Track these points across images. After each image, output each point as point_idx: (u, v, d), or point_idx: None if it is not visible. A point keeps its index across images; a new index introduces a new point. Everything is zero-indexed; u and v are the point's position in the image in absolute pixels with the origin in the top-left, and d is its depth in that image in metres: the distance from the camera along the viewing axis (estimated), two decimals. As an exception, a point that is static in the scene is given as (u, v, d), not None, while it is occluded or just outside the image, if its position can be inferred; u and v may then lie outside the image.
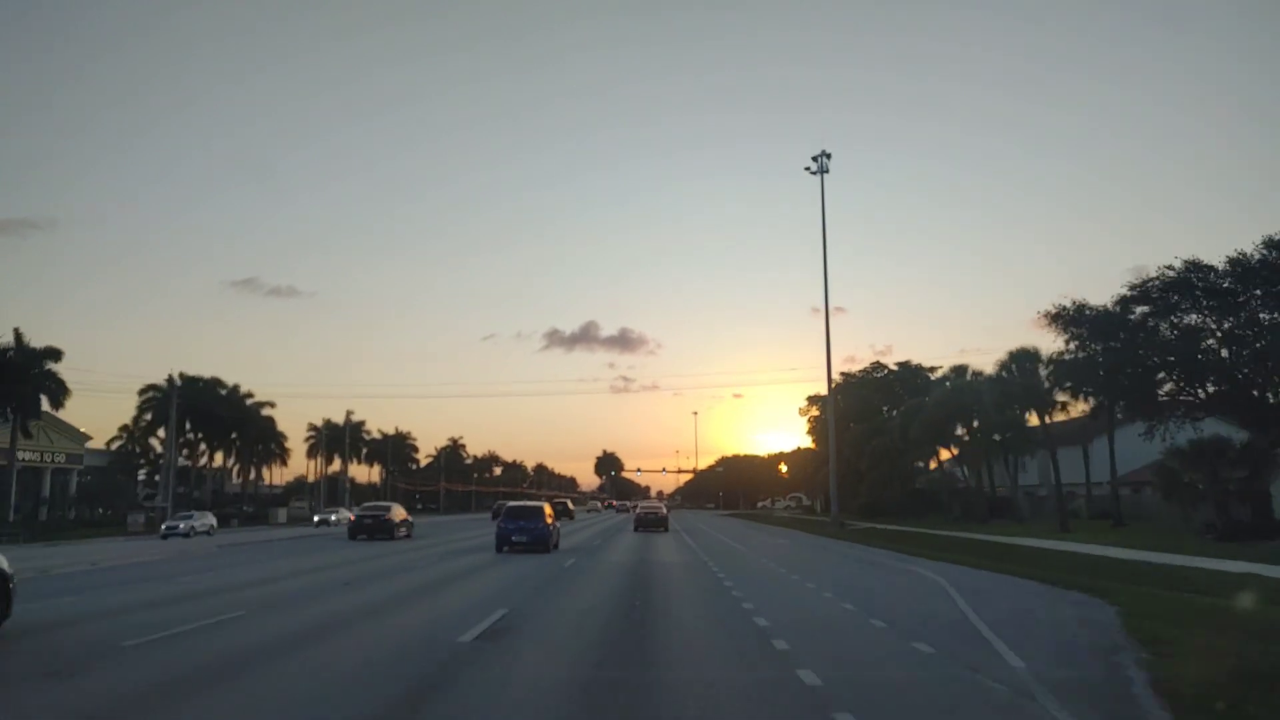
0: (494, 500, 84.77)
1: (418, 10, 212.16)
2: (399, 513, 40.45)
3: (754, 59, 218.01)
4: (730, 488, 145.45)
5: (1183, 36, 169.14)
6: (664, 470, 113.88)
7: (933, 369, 75.92)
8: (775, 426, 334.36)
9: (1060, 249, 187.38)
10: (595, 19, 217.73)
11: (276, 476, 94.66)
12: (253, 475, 78.34)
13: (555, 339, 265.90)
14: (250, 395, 72.44)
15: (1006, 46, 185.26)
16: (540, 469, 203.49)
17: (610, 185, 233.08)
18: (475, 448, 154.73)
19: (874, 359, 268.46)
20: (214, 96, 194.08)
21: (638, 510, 50.33)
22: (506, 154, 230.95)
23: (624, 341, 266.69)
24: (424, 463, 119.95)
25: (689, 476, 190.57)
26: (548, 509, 29.71)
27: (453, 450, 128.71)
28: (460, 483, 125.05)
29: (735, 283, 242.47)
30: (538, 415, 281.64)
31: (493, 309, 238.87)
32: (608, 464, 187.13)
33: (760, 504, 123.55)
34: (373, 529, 38.40)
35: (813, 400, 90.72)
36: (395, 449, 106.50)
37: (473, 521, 69.12)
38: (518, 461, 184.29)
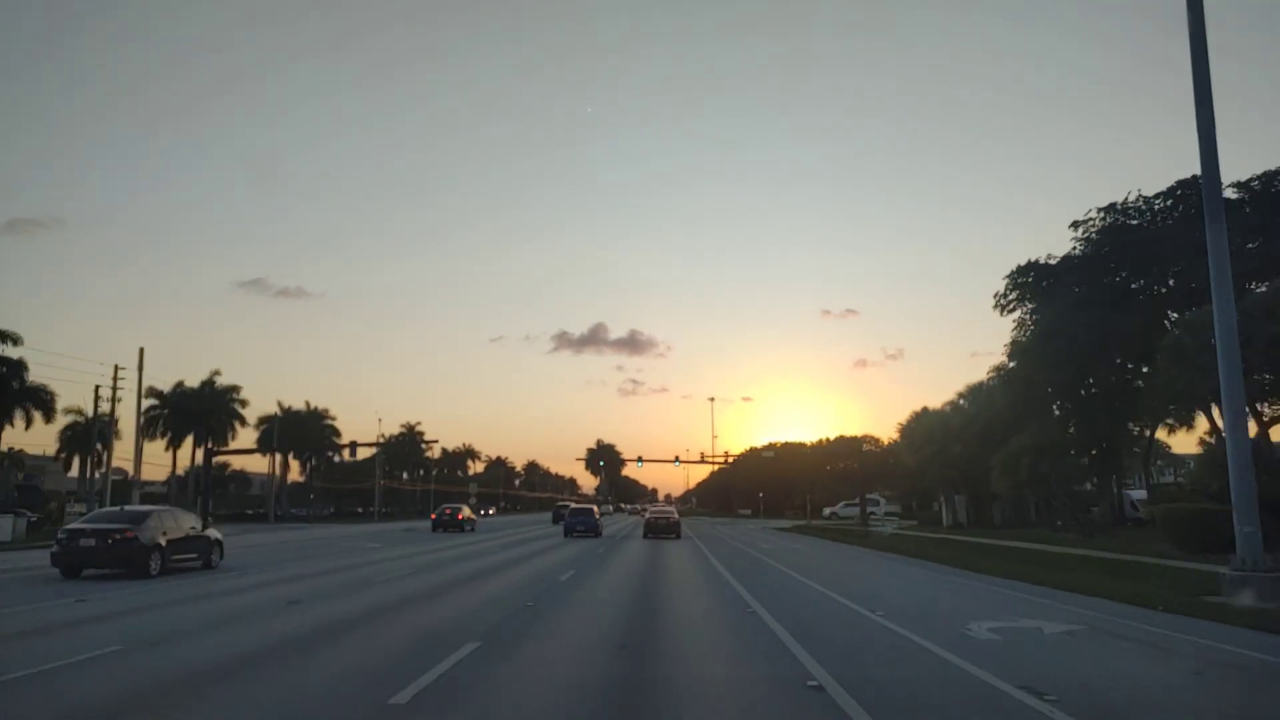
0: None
1: (426, 12, 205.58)
2: (167, 527, 20.87)
3: (756, 61, 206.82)
4: (769, 487, 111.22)
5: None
6: (676, 461, 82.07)
7: None
8: (786, 432, 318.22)
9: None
10: (604, 20, 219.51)
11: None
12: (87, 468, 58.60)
13: (564, 341, 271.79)
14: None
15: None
16: (532, 467, 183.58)
17: (619, 186, 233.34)
18: (477, 448, 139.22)
19: (886, 358, 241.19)
20: (222, 97, 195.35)
21: (648, 515, 51.29)
22: (516, 154, 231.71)
23: (633, 343, 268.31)
24: (370, 453, 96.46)
25: (705, 475, 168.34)
26: (596, 509, 50.25)
27: (409, 439, 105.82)
28: (420, 481, 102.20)
29: (745, 286, 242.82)
30: (543, 417, 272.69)
31: (501, 311, 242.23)
32: (601, 457, 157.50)
33: (828, 511, 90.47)
34: (104, 559, 19.63)
35: (1019, 281, 43.89)
36: (297, 429, 77.10)
37: (397, 536, 46.28)
38: (503, 458, 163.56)
